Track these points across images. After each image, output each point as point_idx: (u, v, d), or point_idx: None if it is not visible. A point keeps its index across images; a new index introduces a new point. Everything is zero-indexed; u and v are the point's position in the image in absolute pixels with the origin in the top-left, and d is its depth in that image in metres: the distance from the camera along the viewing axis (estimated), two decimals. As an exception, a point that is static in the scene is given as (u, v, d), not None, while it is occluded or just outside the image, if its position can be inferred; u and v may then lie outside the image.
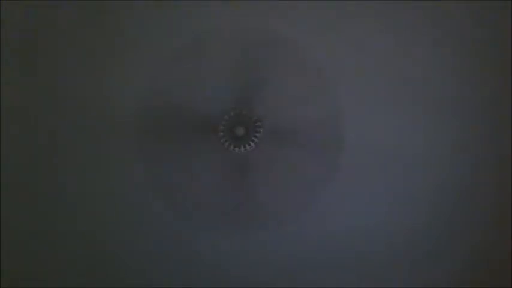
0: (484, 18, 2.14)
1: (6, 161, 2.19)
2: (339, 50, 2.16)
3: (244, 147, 2.08)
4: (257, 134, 2.08)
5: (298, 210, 2.30)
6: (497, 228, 2.34)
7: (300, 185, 2.26)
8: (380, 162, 2.25)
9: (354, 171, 2.26)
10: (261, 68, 2.14)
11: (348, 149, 2.23)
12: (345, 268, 2.39)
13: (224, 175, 2.23)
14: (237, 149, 2.08)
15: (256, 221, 2.31)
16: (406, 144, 2.24)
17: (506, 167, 2.27)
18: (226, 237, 2.33)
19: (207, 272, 2.39)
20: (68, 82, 2.14)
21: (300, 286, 2.41)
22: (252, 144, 2.09)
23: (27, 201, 2.24)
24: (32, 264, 2.32)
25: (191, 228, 2.31)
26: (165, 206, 2.28)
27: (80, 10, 2.08)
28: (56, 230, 2.29)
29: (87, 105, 2.16)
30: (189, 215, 2.29)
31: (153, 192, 2.26)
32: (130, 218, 2.30)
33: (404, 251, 2.37)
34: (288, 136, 2.21)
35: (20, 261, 2.31)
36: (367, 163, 2.25)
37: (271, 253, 2.37)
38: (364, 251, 2.37)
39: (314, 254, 2.37)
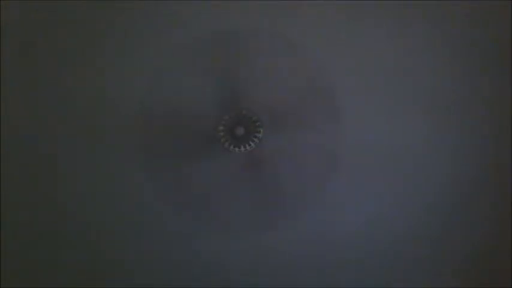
0: (484, 18, 2.14)
1: (6, 161, 2.19)
2: (339, 50, 2.16)
3: (244, 147, 2.08)
4: (257, 134, 2.08)
5: (298, 210, 2.30)
6: (497, 228, 2.34)
7: (299, 186, 2.26)
8: (380, 162, 2.26)
9: (354, 171, 2.26)
10: (261, 68, 2.15)
11: (348, 149, 2.23)
12: (345, 268, 2.39)
13: (224, 175, 2.23)
14: (237, 149, 2.08)
15: (256, 221, 2.31)
16: (406, 144, 2.25)
17: (506, 167, 2.27)
18: (226, 237, 2.33)
19: (207, 272, 2.39)
20: (68, 82, 2.14)
21: (300, 286, 2.41)
22: (252, 144, 2.09)
23: (27, 201, 2.24)
24: (32, 264, 2.32)
25: (191, 228, 2.31)
26: (165, 206, 2.28)
27: (80, 10, 2.08)
28: (56, 230, 2.28)
29: (87, 105, 2.16)
30: (189, 215, 2.29)
31: (153, 192, 2.26)
32: (131, 218, 2.30)
33: (404, 251, 2.37)
34: (287, 136, 2.21)
35: (20, 261, 2.31)
36: (367, 163, 2.25)
37: (272, 253, 2.37)
38: (364, 251, 2.37)
39: (314, 254, 2.37)
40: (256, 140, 2.09)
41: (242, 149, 2.08)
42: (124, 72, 2.14)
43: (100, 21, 2.10)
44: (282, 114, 2.19)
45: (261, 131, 2.09)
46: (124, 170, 2.23)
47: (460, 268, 2.40)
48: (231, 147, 2.08)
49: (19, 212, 2.25)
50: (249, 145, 2.08)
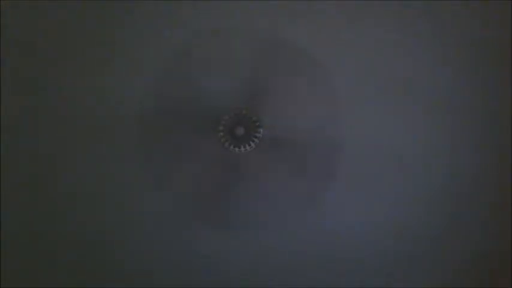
0: (484, 18, 2.14)
1: (6, 161, 2.19)
2: (339, 50, 2.16)
3: (244, 147, 2.08)
4: (257, 134, 2.08)
5: (298, 210, 2.30)
6: (497, 228, 2.34)
7: (299, 186, 2.26)
8: (380, 162, 2.26)
9: (354, 171, 2.26)
10: (261, 68, 2.15)
11: (348, 149, 2.23)
12: (345, 268, 2.39)
13: (224, 175, 2.23)
14: (237, 149, 2.08)
15: (256, 221, 2.31)
16: (406, 144, 2.25)
17: (506, 167, 2.27)
18: (226, 237, 2.33)
19: (206, 272, 2.39)
20: (68, 82, 2.14)
21: (300, 286, 2.41)
22: (252, 144, 2.09)
23: (27, 201, 2.24)
24: (32, 264, 2.32)
25: (191, 228, 2.31)
26: (165, 206, 2.28)
27: (80, 10, 2.08)
28: (56, 230, 2.29)
29: (87, 105, 2.16)
30: (189, 214, 2.29)
31: (153, 191, 2.26)
32: (131, 218, 2.30)
33: (404, 251, 2.37)
34: (287, 136, 2.21)
35: (20, 261, 2.31)
36: (367, 163, 2.25)
37: (271, 253, 2.37)
38: (364, 251, 2.37)
39: (314, 253, 2.37)
40: (256, 140, 2.09)
41: (242, 149, 2.08)
42: (124, 72, 2.14)
43: (100, 21, 2.10)
44: (281, 114, 2.19)
45: (261, 131, 2.09)
46: (124, 170, 2.23)
47: (460, 268, 2.40)
48: (231, 147, 2.08)
49: (19, 212, 2.25)
50: (249, 145, 2.09)
